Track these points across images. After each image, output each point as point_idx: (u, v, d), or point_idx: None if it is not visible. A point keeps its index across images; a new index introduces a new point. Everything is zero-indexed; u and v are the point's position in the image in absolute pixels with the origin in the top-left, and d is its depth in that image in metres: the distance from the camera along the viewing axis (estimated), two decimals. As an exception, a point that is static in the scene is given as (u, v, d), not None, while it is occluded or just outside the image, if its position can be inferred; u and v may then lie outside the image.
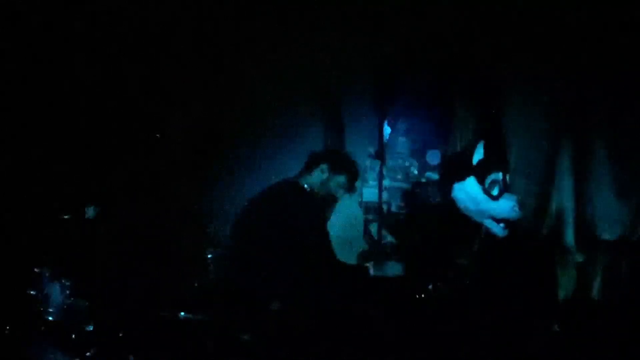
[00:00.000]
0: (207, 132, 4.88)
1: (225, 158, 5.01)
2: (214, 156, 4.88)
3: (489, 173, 4.35)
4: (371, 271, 4.06)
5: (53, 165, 4.13)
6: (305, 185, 3.96)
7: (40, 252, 3.76)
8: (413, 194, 5.52)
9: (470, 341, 4.29)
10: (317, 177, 3.96)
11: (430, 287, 4.35)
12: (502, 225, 4.36)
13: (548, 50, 4.93)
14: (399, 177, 5.89)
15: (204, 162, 4.75)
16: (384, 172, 5.58)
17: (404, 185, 5.82)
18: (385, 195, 5.61)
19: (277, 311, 3.74)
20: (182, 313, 3.79)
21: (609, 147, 5.03)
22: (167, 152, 4.50)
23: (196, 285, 3.96)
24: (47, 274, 3.69)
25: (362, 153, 5.49)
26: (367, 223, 5.57)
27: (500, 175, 4.37)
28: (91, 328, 3.56)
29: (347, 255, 5.23)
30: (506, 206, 4.34)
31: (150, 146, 4.43)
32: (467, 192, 4.36)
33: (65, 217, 3.82)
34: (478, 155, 4.36)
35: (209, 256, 4.03)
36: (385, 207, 5.62)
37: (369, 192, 5.63)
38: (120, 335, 3.57)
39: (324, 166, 3.97)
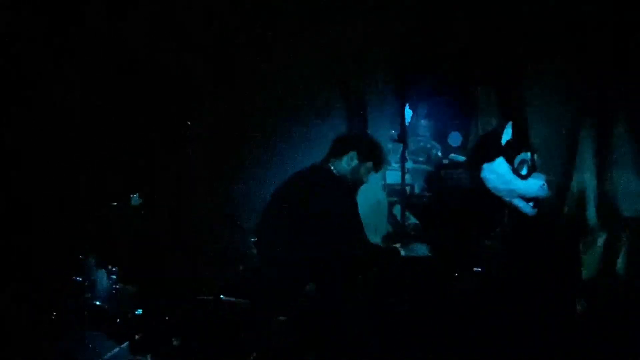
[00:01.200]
0: (233, 123, 4.92)
1: (253, 147, 5.05)
2: (242, 146, 4.93)
3: (518, 153, 4.40)
4: (402, 252, 4.10)
5: (99, 155, 4.17)
6: (334, 171, 4.00)
7: (86, 240, 3.82)
8: (436, 176, 5.57)
9: (497, 321, 4.35)
10: (346, 163, 3.99)
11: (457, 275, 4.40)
12: (531, 204, 4.42)
13: (569, 29, 4.98)
14: (421, 159, 5.95)
15: (235, 151, 4.79)
16: (407, 155, 5.63)
17: (427, 168, 5.88)
18: (408, 177, 5.67)
19: (312, 294, 3.80)
20: (222, 296, 3.85)
21: (630, 125, 5.08)
22: (200, 144, 4.54)
23: (241, 269, 4.01)
24: (93, 261, 3.75)
25: (384, 136, 5.54)
26: (390, 206, 5.63)
27: (528, 155, 4.42)
28: (140, 312, 3.63)
29: (372, 238, 5.30)
30: (535, 185, 4.39)
31: (185, 139, 4.47)
32: (497, 172, 4.41)
33: (112, 204, 3.87)
34: (506, 135, 4.41)
35: (252, 240, 4.08)
36: (408, 189, 5.67)
37: (392, 175, 5.67)
38: (166, 318, 3.64)
39: (353, 154, 4.00)
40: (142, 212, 3.94)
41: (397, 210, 5.63)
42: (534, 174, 4.42)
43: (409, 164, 5.68)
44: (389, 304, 4.07)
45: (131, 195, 4.01)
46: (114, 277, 3.74)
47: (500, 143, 4.42)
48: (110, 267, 3.75)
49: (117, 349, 3.46)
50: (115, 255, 3.79)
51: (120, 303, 3.67)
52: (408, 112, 5.82)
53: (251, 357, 3.77)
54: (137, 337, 3.54)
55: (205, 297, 3.80)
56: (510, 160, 4.40)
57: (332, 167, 4.02)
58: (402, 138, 5.59)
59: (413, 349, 4.01)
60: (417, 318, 4.12)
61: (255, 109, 5.12)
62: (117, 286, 3.74)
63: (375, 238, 5.37)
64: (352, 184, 4.13)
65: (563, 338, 4.43)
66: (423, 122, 6.09)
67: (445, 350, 4.06)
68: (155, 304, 3.70)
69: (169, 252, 3.95)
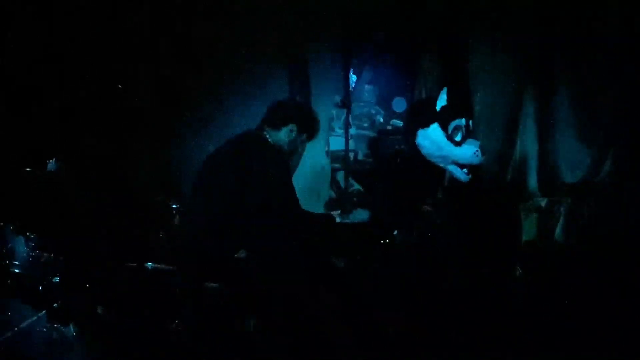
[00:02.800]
0: (170, 83, 4.83)
1: (190, 108, 4.97)
2: (178, 106, 4.84)
3: (452, 119, 4.37)
4: (337, 219, 4.09)
5: (14, 118, 4.07)
6: (270, 139, 3.97)
7: (3, 206, 3.74)
8: (379, 142, 5.56)
9: (435, 285, 4.36)
10: (284, 135, 3.96)
11: (395, 233, 4.40)
12: (465, 170, 4.40)
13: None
14: (365, 125, 5.93)
15: (169, 112, 4.71)
16: (350, 121, 5.60)
17: (370, 133, 5.86)
18: (351, 143, 5.65)
19: (243, 260, 3.78)
20: (150, 263, 3.81)
21: (572, 92, 5.08)
22: (130, 104, 4.45)
23: (161, 235, 3.97)
24: (10, 228, 3.69)
25: (328, 102, 5.49)
26: (334, 172, 5.61)
27: (463, 121, 4.38)
28: (57, 280, 3.58)
29: (314, 204, 5.29)
30: (469, 151, 4.37)
31: (114, 99, 4.38)
32: (431, 138, 4.38)
33: (27, 170, 3.79)
34: (441, 101, 4.37)
35: (174, 206, 4.04)
36: (351, 155, 5.66)
37: (335, 141, 5.65)
38: (87, 286, 3.60)
39: (292, 126, 3.97)
40: (60, 177, 3.87)
41: (340, 176, 5.63)
42: (468, 140, 4.40)
43: (352, 130, 5.66)
44: (324, 268, 4.04)
45: (48, 161, 3.93)
46: (32, 244, 3.68)
47: (434, 109, 4.38)
48: (28, 234, 3.69)
49: (34, 317, 3.42)
50: (33, 222, 3.72)
51: (40, 270, 3.62)
52: (352, 78, 5.78)
53: (175, 324, 3.75)
54: (55, 305, 3.50)
55: (129, 264, 3.76)
56: (444, 127, 4.37)
57: (267, 136, 3.97)
58: (346, 104, 5.56)
59: (348, 313, 4.01)
60: (358, 283, 4.12)
61: (193, 72, 5.03)
62: (35, 253, 3.68)
63: (318, 204, 5.37)
64: (287, 153, 4.11)
65: (501, 303, 4.46)
66: (367, 87, 6.04)
67: (380, 311, 4.07)
68: (75, 271, 3.65)
69: (91, 218, 3.89)
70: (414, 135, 4.48)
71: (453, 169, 4.43)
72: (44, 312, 3.49)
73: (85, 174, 3.99)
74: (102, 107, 4.23)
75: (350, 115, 5.55)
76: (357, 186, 5.58)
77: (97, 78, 4.31)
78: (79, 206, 3.78)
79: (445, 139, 4.37)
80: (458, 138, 4.38)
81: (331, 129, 5.65)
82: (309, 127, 4.07)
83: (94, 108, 4.21)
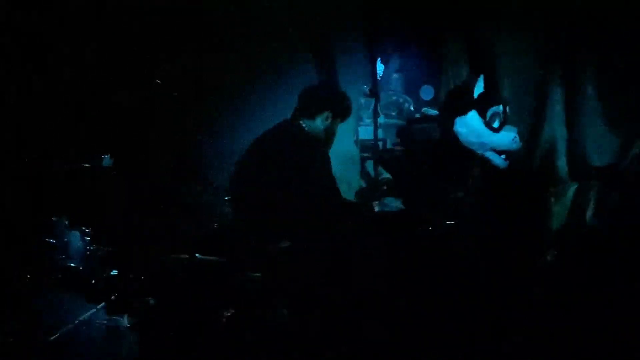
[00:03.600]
0: (200, 78, 4.86)
1: (220, 101, 5.01)
2: (209, 100, 4.88)
3: (490, 106, 4.42)
4: (375, 208, 4.14)
5: (70, 115, 4.11)
6: (306, 128, 4.00)
7: (58, 201, 3.78)
8: (409, 130, 5.57)
9: (469, 271, 4.41)
10: (320, 123, 4.00)
11: (430, 228, 4.44)
12: (503, 156, 4.45)
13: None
14: (394, 113, 5.93)
15: (204, 107, 4.75)
16: (379, 110, 5.62)
17: (399, 122, 5.87)
18: (380, 132, 5.67)
19: (287, 250, 3.82)
20: (198, 255, 3.85)
21: (599, 77, 5.12)
22: (167, 101, 4.49)
23: (215, 226, 4.01)
24: (66, 222, 3.73)
25: (356, 91, 5.52)
26: (363, 161, 5.64)
27: (500, 107, 4.44)
28: (115, 272, 3.63)
29: (345, 193, 5.32)
30: (507, 138, 4.42)
31: (153, 96, 4.41)
32: (469, 125, 4.42)
33: (84, 165, 3.83)
34: (479, 89, 4.41)
35: (227, 198, 4.08)
36: (380, 144, 5.68)
37: (364, 130, 5.66)
38: (142, 278, 3.64)
39: (328, 114, 4.00)
40: (114, 173, 3.91)
41: (369, 165, 5.65)
42: (506, 127, 4.45)
43: (381, 119, 5.67)
44: (365, 259, 4.10)
45: (103, 156, 3.97)
46: (88, 238, 3.73)
47: (472, 96, 4.43)
48: (83, 228, 3.73)
49: (93, 310, 3.46)
50: (88, 216, 3.77)
51: (95, 264, 3.66)
52: (380, 67, 5.79)
53: (226, 315, 3.80)
54: (112, 297, 3.55)
55: (180, 256, 3.80)
56: (482, 114, 4.41)
57: (303, 125, 4.01)
58: (374, 93, 5.58)
59: (388, 302, 4.06)
60: (393, 272, 4.16)
61: (223, 64, 5.06)
62: (91, 247, 3.72)
63: (348, 193, 5.40)
64: (325, 140, 4.14)
65: (534, 288, 4.50)
66: (395, 76, 6.05)
67: (420, 303, 4.11)
68: (130, 264, 3.70)
69: (142, 212, 3.94)
70: (452, 123, 4.52)
71: (491, 155, 4.47)
72: (100, 305, 3.54)
73: (136, 168, 4.04)
74: (145, 105, 4.28)
75: (378, 104, 5.56)
76: (386, 175, 5.60)
77: (136, 74, 4.35)
78: (132, 200, 3.84)
79: (484, 126, 4.41)
80: (496, 125, 4.42)
81: (359, 118, 5.67)
82: (343, 112, 4.11)
83: (139, 106, 4.25)
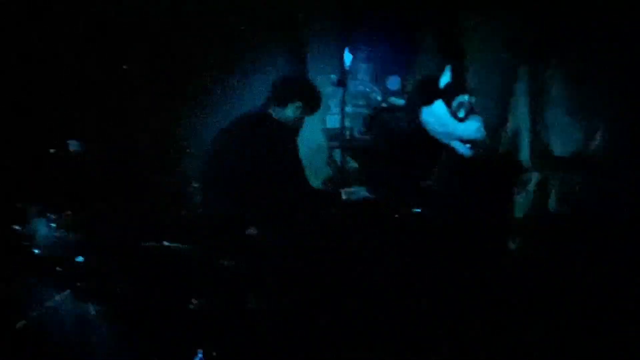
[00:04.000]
0: (174, 63, 4.85)
1: (194, 87, 5.01)
2: (183, 86, 4.88)
3: (456, 96, 4.45)
4: (344, 196, 4.18)
5: (35, 100, 4.07)
6: (276, 117, 4.02)
7: (24, 187, 3.74)
8: (376, 120, 5.63)
9: (435, 257, 4.46)
10: (291, 112, 4.03)
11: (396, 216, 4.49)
12: (468, 146, 4.50)
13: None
14: (361, 103, 5.99)
15: (174, 91, 4.74)
16: (346, 99, 5.67)
17: (366, 111, 5.92)
18: (347, 121, 5.72)
19: (255, 236, 3.85)
20: (166, 242, 3.86)
21: (565, 66, 5.19)
22: (138, 85, 4.48)
23: (183, 213, 4.02)
24: (32, 209, 3.70)
25: (324, 80, 5.56)
26: (330, 149, 5.69)
27: (466, 97, 4.47)
28: (81, 259, 3.61)
29: (312, 182, 5.36)
30: (472, 127, 4.45)
31: (123, 80, 4.40)
32: (435, 114, 4.45)
33: (50, 150, 3.79)
34: (445, 78, 4.45)
35: (195, 186, 4.09)
36: (347, 133, 5.73)
37: (331, 119, 5.72)
38: (108, 266, 3.63)
39: (298, 104, 4.03)
40: (82, 159, 3.88)
41: (337, 154, 5.71)
42: (471, 116, 4.49)
43: (348, 108, 5.73)
44: (332, 246, 4.14)
45: (68, 141, 3.93)
46: (54, 225, 3.71)
47: (438, 86, 4.46)
48: (49, 215, 3.71)
49: (58, 297, 3.44)
50: (55, 203, 3.75)
51: (62, 251, 3.64)
52: (348, 56, 5.83)
53: (194, 303, 3.81)
54: (80, 285, 3.54)
55: (147, 243, 3.81)
56: (448, 103, 4.46)
57: (273, 113, 4.04)
58: (342, 82, 5.62)
59: (357, 288, 4.10)
60: (360, 260, 4.21)
61: (195, 53, 5.06)
62: (58, 234, 3.70)
63: (315, 181, 5.45)
64: (293, 130, 4.18)
65: (496, 276, 4.57)
66: (363, 65, 6.11)
67: (386, 289, 4.16)
68: (98, 251, 3.69)
69: (110, 199, 3.93)
70: (418, 112, 4.55)
71: (457, 144, 4.52)
72: (67, 292, 3.53)
73: (104, 154, 4.02)
74: (114, 89, 4.25)
75: (346, 93, 5.61)
76: (353, 163, 5.66)
77: (107, 59, 4.32)
78: (99, 187, 3.82)
79: (450, 116, 4.45)
80: (462, 114, 4.47)
81: (327, 107, 5.71)
82: (314, 104, 4.16)
83: (108, 90, 4.22)
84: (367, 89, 6.00)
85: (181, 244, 3.88)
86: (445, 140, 4.73)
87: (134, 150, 4.30)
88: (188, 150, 4.47)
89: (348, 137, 5.68)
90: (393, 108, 5.58)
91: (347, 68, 5.66)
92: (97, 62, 4.32)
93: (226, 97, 4.99)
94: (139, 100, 4.46)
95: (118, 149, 4.20)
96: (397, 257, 4.40)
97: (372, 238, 4.41)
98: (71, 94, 4.20)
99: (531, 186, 5.23)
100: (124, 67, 4.32)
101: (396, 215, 4.32)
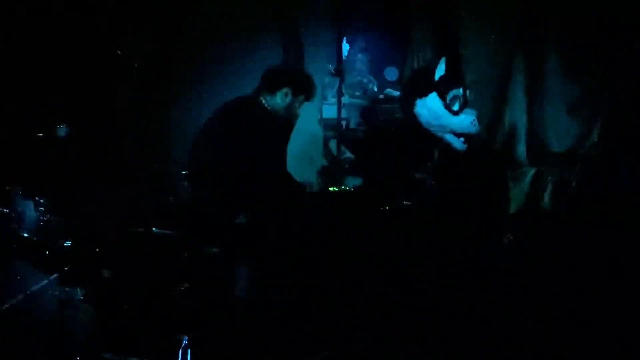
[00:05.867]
0: (164, 53, 4.83)
1: (185, 75, 4.99)
2: (173, 76, 4.86)
3: (451, 89, 4.45)
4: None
5: (24, 85, 4.06)
6: (267, 105, 4.00)
7: (12, 170, 3.74)
8: (372, 111, 5.61)
9: (427, 248, 4.44)
10: (280, 99, 4.00)
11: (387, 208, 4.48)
12: (462, 139, 4.49)
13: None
14: (358, 94, 5.98)
15: (166, 81, 4.72)
16: (343, 89, 5.65)
17: (363, 102, 5.91)
18: (344, 112, 5.70)
19: (243, 225, 3.84)
20: (155, 229, 3.85)
21: (561, 63, 5.17)
22: (128, 72, 4.46)
23: (171, 199, 4.01)
24: (20, 192, 3.69)
25: (321, 70, 5.54)
26: (326, 140, 5.67)
27: (461, 90, 4.47)
28: (68, 244, 3.61)
29: (307, 171, 5.36)
30: (466, 121, 4.46)
31: (113, 67, 4.38)
32: (429, 107, 4.45)
33: (38, 135, 3.78)
34: (440, 71, 4.44)
35: (183, 173, 4.07)
36: (344, 123, 5.72)
37: (328, 109, 5.71)
38: (96, 250, 3.63)
39: (287, 89, 4.00)
40: (70, 143, 3.87)
41: (332, 144, 5.69)
42: (466, 110, 4.49)
43: (345, 99, 5.71)
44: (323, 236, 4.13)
45: (58, 126, 3.92)
46: (42, 208, 3.70)
47: (433, 78, 4.45)
48: (37, 198, 3.70)
49: (45, 281, 3.44)
50: (42, 186, 3.74)
51: (49, 235, 3.64)
52: (345, 47, 5.81)
53: (182, 289, 3.81)
54: (66, 269, 3.53)
55: (136, 229, 3.80)
56: (442, 96, 4.45)
57: (263, 101, 4.01)
58: (339, 72, 5.60)
59: (345, 277, 4.09)
60: (349, 251, 4.20)
61: (187, 40, 5.04)
62: (45, 217, 3.70)
63: (311, 171, 5.44)
64: (286, 119, 4.15)
65: (489, 269, 4.56)
66: (360, 56, 6.09)
67: (374, 280, 4.15)
68: (85, 235, 3.69)
69: (98, 184, 3.92)
70: (412, 104, 4.54)
71: (450, 137, 4.51)
72: (53, 276, 3.52)
73: (93, 140, 4.01)
74: (103, 76, 4.24)
75: (343, 84, 5.59)
76: (348, 154, 5.64)
77: (98, 47, 4.30)
78: (87, 172, 3.81)
79: (444, 108, 4.44)
80: (456, 107, 4.46)
81: (324, 97, 5.69)
82: (303, 89, 4.11)
83: (96, 77, 4.21)
84: (364, 80, 5.98)
85: (168, 230, 3.87)
86: (439, 133, 4.73)
87: (122, 136, 4.28)
88: (177, 136, 4.45)
89: (344, 128, 5.67)
90: (389, 99, 5.56)
91: (344, 58, 5.65)
92: (89, 48, 4.30)
93: (218, 84, 4.97)
94: (132, 87, 4.44)
95: (106, 134, 4.19)
96: (385, 249, 4.39)
97: (360, 229, 4.40)
98: (61, 80, 4.18)
99: (526, 181, 5.24)
100: (118, 52, 4.30)
101: (387, 207, 4.31)
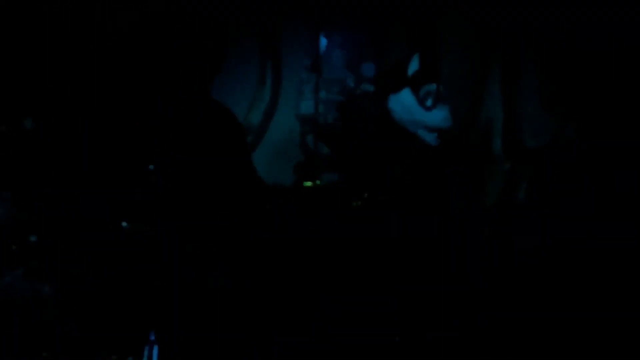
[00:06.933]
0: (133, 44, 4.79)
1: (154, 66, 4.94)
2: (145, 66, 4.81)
3: (424, 84, 4.44)
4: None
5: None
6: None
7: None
8: (349, 106, 5.60)
9: (403, 243, 4.45)
10: None
11: (366, 195, 4.49)
12: (435, 134, 4.49)
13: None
14: (335, 89, 5.97)
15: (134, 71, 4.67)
16: (320, 85, 5.65)
17: (340, 98, 5.90)
18: (321, 107, 5.70)
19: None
20: (125, 224, 3.84)
21: (537, 58, 5.19)
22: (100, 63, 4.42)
23: (142, 194, 3.99)
24: (-14, 187, 3.68)
25: (298, 65, 5.54)
26: (303, 135, 5.67)
27: (434, 86, 4.47)
28: (34, 239, 3.59)
29: (284, 167, 5.36)
30: (439, 116, 4.46)
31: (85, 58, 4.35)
32: (402, 103, 4.45)
33: (1, 127, 3.77)
34: (413, 66, 4.44)
35: (151, 167, 4.06)
36: (321, 119, 5.72)
37: (305, 105, 5.71)
38: (63, 246, 3.62)
39: None
40: (36, 136, 3.85)
41: (309, 139, 5.69)
42: (439, 105, 4.48)
43: (322, 94, 5.71)
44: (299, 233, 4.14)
45: (24, 119, 3.90)
46: (7, 203, 3.68)
47: (406, 74, 4.45)
48: (3, 192, 3.68)
49: (8, 278, 3.43)
50: (10, 180, 3.72)
51: (15, 229, 3.62)
52: (323, 41, 5.80)
53: (155, 285, 3.81)
54: (34, 264, 3.52)
55: (105, 224, 3.79)
56: (415, 92, 4.44)
57: None
58: (316, 67, 5.60)
59: (322, 275, 4.10)
60: (326, 247, 4.21)
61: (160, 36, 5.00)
62: (12, 211, 3.68)
63: (287, 167, 5.44)
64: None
65: (469, 262, 4.57)
66: (338, 51, 6.07)
67: (350, 277, 4.16)
68: (53, 230, 3.68)
69: (66, 177, 3.89)
70: (385, 100, 4.54)
71: (423, 133, 4.51)
72: (20, 271, 3.52)
73: (62, 132, 3.98)
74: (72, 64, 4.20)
75: (320, 79, 5.59)
76: (326, 149, 5.64)
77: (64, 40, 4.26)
78: (56, 165, 3.79)
79: (417, 104, 4.44)
80: (429, 103, 4.46)
81: (301, 93, 5.69)
82: None
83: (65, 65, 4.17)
84: (342, 75, 5.97)
85: (139, 225, 3.87)
86: (412, 129, 4.73)
87: (92, 128, 4.25)
88: (146, 129, 4.41)
89: (321, 123, 5.67)
90: (366, 95, 5.56)
91: (321, 53, 5.63)
92: (61, 39, 4.26)
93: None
94: (98, 78, 4.41)
95: (74, 127, 4.15)
96: (361, 244, 4.40)
97: (333, 226, 4.40)
98: (29, 71, 4.15)
99: (502, 177, 5.27)
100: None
101: (359, 202, 4.31)
